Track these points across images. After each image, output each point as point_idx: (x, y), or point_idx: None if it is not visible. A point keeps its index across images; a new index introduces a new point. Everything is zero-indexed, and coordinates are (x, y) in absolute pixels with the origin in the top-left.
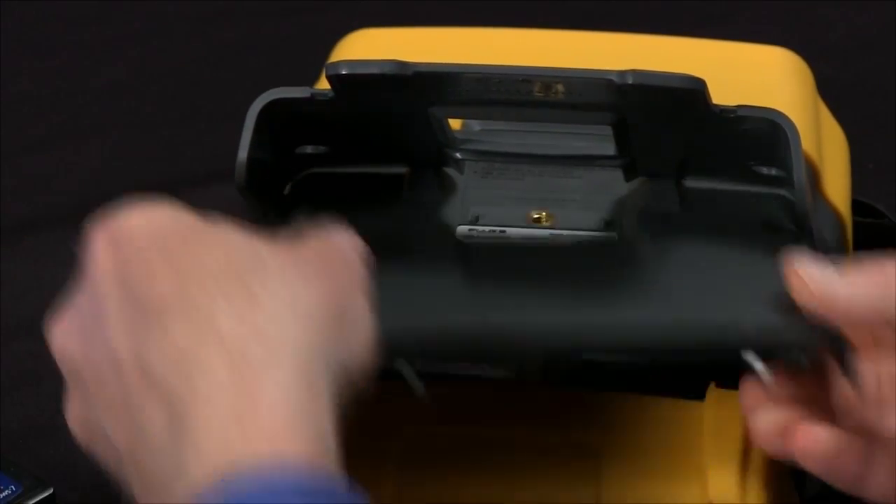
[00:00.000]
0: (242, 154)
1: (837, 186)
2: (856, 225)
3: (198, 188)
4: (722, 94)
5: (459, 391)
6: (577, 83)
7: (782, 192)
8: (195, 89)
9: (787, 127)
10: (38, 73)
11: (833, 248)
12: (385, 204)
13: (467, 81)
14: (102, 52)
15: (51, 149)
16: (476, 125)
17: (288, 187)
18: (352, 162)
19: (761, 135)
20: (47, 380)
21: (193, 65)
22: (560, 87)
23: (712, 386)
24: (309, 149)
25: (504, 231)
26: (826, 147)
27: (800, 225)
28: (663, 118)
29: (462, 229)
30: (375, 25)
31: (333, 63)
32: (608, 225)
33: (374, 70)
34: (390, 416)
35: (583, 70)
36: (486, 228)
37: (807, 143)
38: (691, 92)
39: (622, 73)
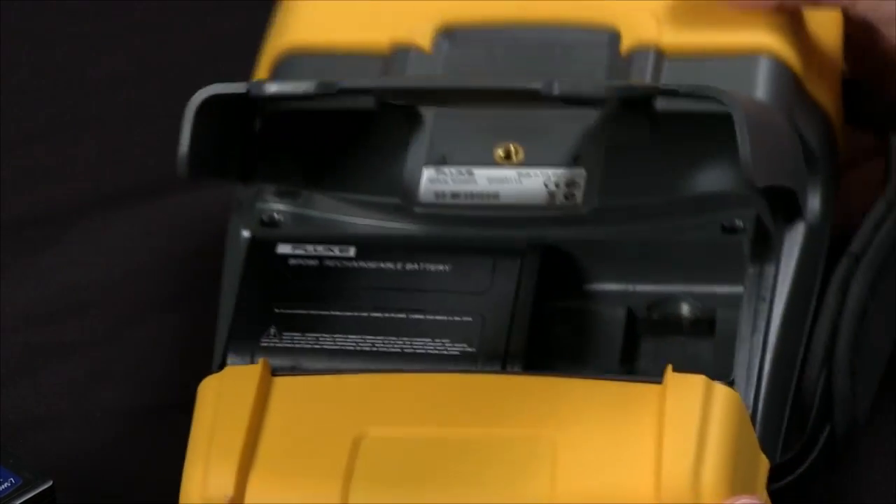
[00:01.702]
0: (183, 149)
1: (826, 76)
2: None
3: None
4: None
5: (411, 385)
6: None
7: None
8: (195, 81)
9: (732, 108)
10: (37, 65)
11: (818, 149)
12: (353, 144)
13: (397, 94)
14: (102, 44)
15: (50, 141)
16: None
17: (258, 122)
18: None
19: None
20: (46, 372)
21: (193, 57)
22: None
23: (669, 368)
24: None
25: (472, 173)
26: (814, 32)
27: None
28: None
29: (429, 172)
30: None
31: (257, 83)
32: (576, 160)
33: (299, 90)
34: (338, 417)
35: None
36: (453, 170)
37: (789, 38)
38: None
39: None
